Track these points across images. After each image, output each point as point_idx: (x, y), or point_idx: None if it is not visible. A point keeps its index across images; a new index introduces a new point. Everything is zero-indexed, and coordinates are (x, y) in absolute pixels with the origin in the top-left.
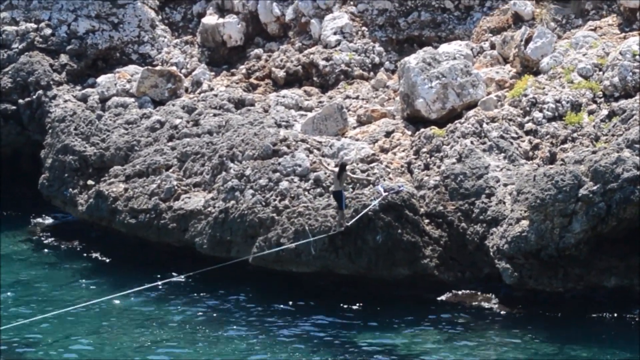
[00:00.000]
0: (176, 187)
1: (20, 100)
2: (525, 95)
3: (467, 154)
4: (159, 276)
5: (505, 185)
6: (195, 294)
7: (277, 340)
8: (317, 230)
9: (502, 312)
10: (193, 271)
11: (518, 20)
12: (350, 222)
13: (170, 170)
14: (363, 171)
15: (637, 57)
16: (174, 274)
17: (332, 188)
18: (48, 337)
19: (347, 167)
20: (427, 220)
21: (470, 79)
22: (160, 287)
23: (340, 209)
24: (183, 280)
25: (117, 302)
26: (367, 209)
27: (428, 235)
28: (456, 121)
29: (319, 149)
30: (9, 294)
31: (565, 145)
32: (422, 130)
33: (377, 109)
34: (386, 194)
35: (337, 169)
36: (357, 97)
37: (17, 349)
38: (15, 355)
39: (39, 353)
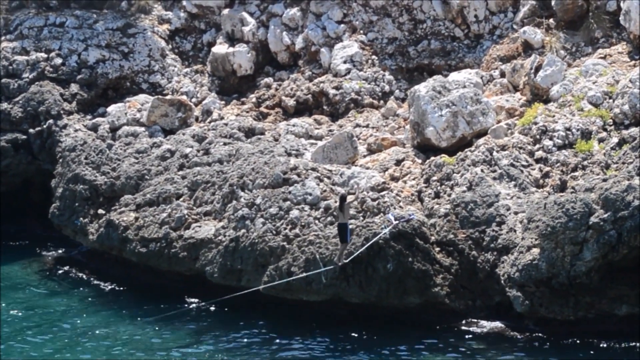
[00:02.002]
0: (187, 216)
1: (31, 130)
2: (536, 123)
3: (477, 182)
4: (167, 306)
5: (515, 213)
6: (205, 323)
7: None
8: (328, 259)
9: (513, 339)
10: (204, 299)
11: (528, 48)
12: (347, 260)
13: (181, 199)
14: (374, 199)
15: None
16: (191, 301)
17: (337, 221)
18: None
19: (348, 199)
20: (437, 249)
21: (480, 107)
22: (170, 314)
23: (344, 242)
24: (195, 307)
25: (126, 330)
26: (374, 239)
27: (439, 264)
28: (466, 149)
29: (329, 178)
30: (21, 322)
31: (576, 173)
32: (432, 158)
33: (387, 137)
34: (397, 222)
35: (337, 203)
36: (367, 126)
37: None
38: None
39: None
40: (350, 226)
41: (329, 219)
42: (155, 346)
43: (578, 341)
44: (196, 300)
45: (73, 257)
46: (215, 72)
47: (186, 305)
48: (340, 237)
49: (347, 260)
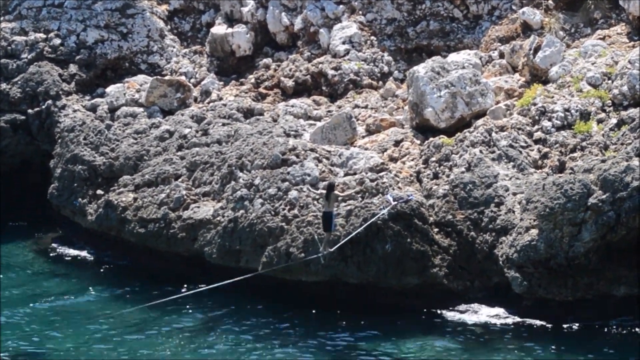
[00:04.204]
0: (185, 197)
1: (30, 110)
2: (534, 104)
3: (476, 163)
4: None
5: (514, 194)
6: (205, 304)
7: (286, 352)
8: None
9: (511, 321)
10: (201, 280)
11: (527, 29)
12: (334, 248)
13: (180, 179)
14: (372, 180)
15: None
16: (184, 287)
17: (322, 209)
18: (60, 344)
19: (336, 187)
20: (436, 229)
21: (479, 88)
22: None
23: (328, 231)
24: (195, 291)
25: (124, 311)
26: (372, 220)
27: (437, 244)
28: (465, 130)
29: (328, 158)
30: (18, 303)
31: (575, 154)
32: (431, 139)
33: (386, 118)
34: (395, 203)
35: (325, 190)
36: (366, 107)
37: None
38: None
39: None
40: (335, 214)
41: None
42: (154, 327)
43: (576, 322)
44: (191, 283)
45: (71, 237)
46: (214, 52)
47: (185, 288)
48: (324, 226)
49: (332, 249)
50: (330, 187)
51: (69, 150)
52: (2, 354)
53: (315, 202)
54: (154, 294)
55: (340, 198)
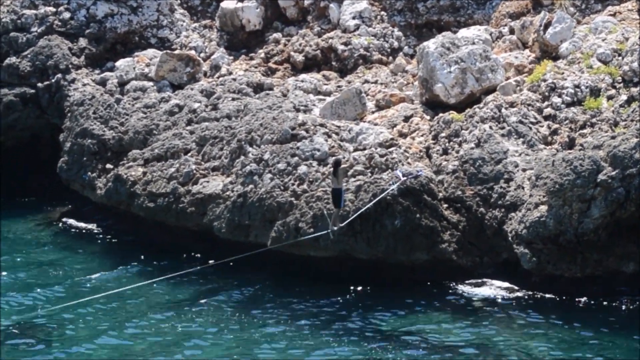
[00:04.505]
0: (195, 171)
1: (39, 84)
2: (544, 81)
3: (485, 138)
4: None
5: (523, 170)
6: (214, 279)
7: (297, 326)
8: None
9: (520, 296)
10: (210, 254)
11: (537, 5)
12: (344, 224)
13: (189, 154)
14: (382, 156)
15: None
16: (198, 257)
17: (331, 186)
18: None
19: (342, 164)
20: (445, 205)
21: (489, 63)
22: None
23: (337, 208)
24: (202, 265)
25: (133, 285)
26: (382, 195)
27: (446, 220)
28: (475, 106)
29: (337, 134)
30: (27, 278)
31: (584, 131)
32: (440, 115)
33: (396, 93)
34: (405, 178)
35: (332, 167)
36: (375, 82)
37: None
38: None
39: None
40: (344, 190)
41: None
42: (163, 302)
43: (585, 298)
44: (201, 255)
45: (80, 212)
46: (224, 27)
47: (193, 262)
48: (335, 203)
49: (342, 225)
50: (337, 164)
51: (79, 124)
52: (10, 327)
53: (325, 177)
54: (161, 268)
55: (347, 175)
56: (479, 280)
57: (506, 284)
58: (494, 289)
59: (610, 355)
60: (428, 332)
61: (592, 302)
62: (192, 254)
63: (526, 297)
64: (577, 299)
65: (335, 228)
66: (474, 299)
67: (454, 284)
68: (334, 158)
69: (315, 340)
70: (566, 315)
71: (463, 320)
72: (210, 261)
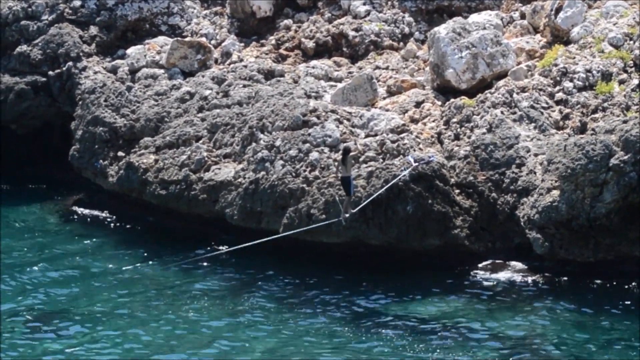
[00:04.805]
0: (206, 158)
1: (50, 72)
2: (556, 65)
3: (497, 124)
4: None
5: (535, 155)
6: (226, 266)
7: (307, 312)
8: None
9: (532, 282)
10: (223, 241)
11: None
12: (356, 210)
13: (201, 141)
14: (393, 142)
15: None
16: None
17: (340, 174)
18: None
19: (351, 151)
20: (457, 191)
21: (501, 48)
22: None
23: (348, 195)
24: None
25: (147, 271)
26: (393, 181)
27: (458, 206)
28: (486, 91)
29: (348, 120)
30: (39, 266)
31: (596, 115)
32: (452, 100)
33: (407, 79)
34: (416, 164)
35: (340, 155)
36: (386, 68)
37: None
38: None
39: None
40: (353, 179)
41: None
42: (176, 288)
43: (597, 283)
44: (214, 244)
45: (92, 199)
46: (235, 13)
47: (206, 249)
48: (345, 190)
49: (355, 211)
50: (346, 152)
51: (90, 112)
52: (24, 312)
53: (336, 163)
54: (174, 255)
55: (354, 163)
56: (492, 264)
57: (519, 266)
58: (508, 272)
59: (622, 336)
60: (440, 317)
61: (604, 286)
62: (204, 240)
63: (539, 281)
64: (589, 284)
65: (347, 215)
66: (486, 284)
67: (467, 268)
68: (343, 145)
69: (326, 328)
70: (578, 300)
71: (475, 305)
72: (222, 248)
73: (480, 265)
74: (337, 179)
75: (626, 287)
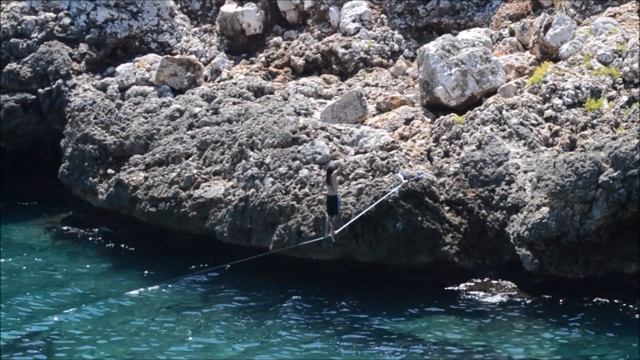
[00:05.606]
0: (196, 176)
1: (40, 90)
2: (545, 82)
3: (486, 140)
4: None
5: (525, 172)
6: (215, 283)
7: (297, 328)
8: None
9: (522, 299)
10: (212, 259)
11: (537, 6)
12: (338, 231)
13: (190, 158)
14: (383, 159)
15: None
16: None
17: (326, 193)
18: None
19: (335, 170)
20: (447, 208)
21: (490, 65)
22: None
23: (336, 214)
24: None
25: (135, 290)
26: (383, 198)
27: (448, 223)
28: (476, 108)
29: (338, 137)
30: (27, 282)
31: (585, 132)
32: (441, 117)
33: (397, 96)
34: (406, 181)
35: (325, 175)
36: (376, 85)
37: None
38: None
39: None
40: (340, 196)
41: (338, 178)
42: (165, 307)
43: (587, 299)
44: (205, 262)
45: (82, 217)
46: (224, 31)
47: (195, 266)
48: (329, 210)
49: (344, 227)
50: (330, 171)
51: (80, 129)
52: (12, 336)
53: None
54: (162, 273)
55: (339, 182)
56: (481, 282)
57: (508, 285)
58: (497, 290)
59: (613, 356)
60: (430, 334)
61: (595, 303)
62: (194, 258)
63: (528, 298)
64: (579, 300)
65: (335, 232)
66: (477, 301)
67: (455, 285)
68: (329, 165)
69: (316, 343)
70: (569, 317)
71: (466, 322)
72: (223, 266)
73: (469, 282)
74: (326, 196)
75: (616, 303)
